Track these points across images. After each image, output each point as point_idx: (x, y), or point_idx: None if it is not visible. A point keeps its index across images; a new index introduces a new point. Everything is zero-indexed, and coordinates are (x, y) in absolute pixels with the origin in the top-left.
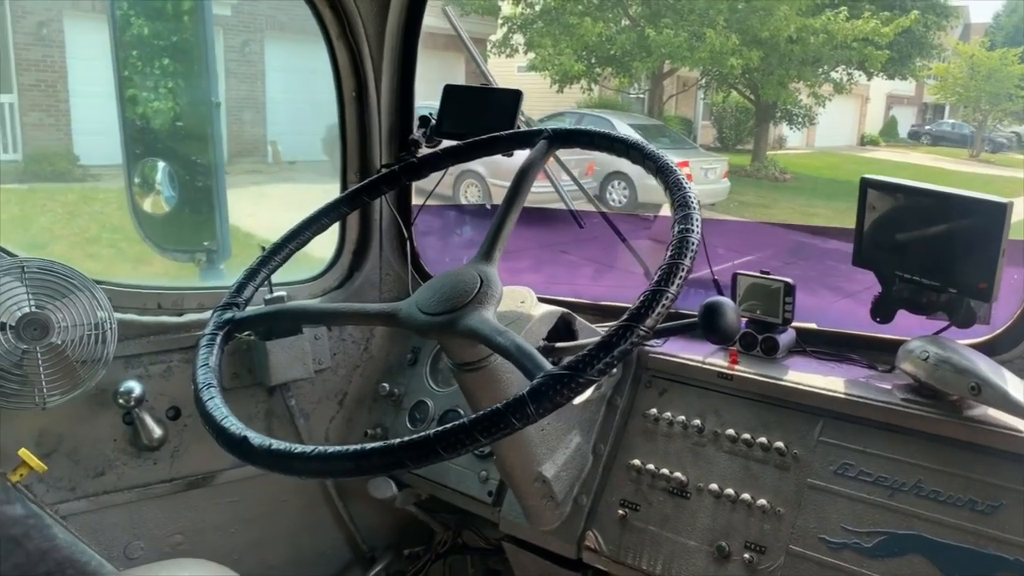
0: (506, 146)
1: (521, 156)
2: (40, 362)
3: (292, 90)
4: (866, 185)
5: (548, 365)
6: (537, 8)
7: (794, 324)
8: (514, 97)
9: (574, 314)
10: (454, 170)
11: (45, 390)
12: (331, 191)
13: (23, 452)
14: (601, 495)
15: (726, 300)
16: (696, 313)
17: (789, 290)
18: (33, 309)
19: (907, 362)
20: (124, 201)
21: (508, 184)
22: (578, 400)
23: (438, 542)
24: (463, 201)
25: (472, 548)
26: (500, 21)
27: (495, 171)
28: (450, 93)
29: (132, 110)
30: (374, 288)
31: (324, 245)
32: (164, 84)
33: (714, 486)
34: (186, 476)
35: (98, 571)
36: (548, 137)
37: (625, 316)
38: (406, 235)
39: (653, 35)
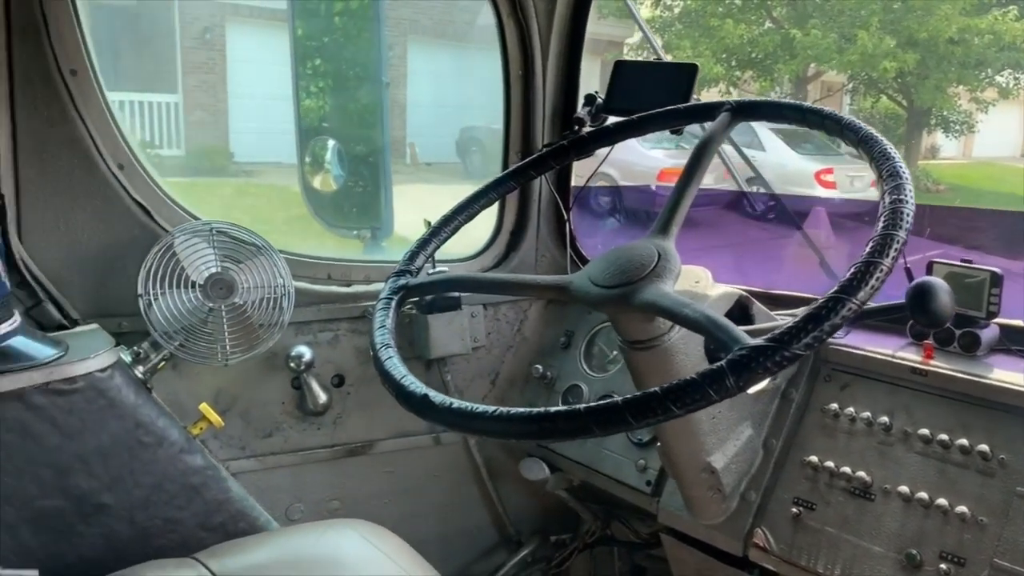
0: (683, 119)
1: (643, 161)
2: (224, 320)
3: (431, 93)
4: None
5: (747, 337)
6: (676, 11)
7: (997, 320)
8: (689, 71)
9: (752, 298)
10: (583, 171)
11: (228, 347)
12: (463, 192)
13: (204, 407)
14: (772, 491)
15: (938, 281)
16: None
17: (996, 281)
18: (220, 269)
19: None
20: (273, 196)
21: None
22: (752, 389)
23: (586, 531)
24: None
25: (620, 541)
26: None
27: (626, 173)
28: (620, 69)
29: (302, 102)
30: (529, 269)
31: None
32: (315, 83)
33: (904, 488)
34: (346, 443)
35: (267, 527)
36: (731, 109)
37: (835, 288)
38: (565, 216)
39: (799, 37)
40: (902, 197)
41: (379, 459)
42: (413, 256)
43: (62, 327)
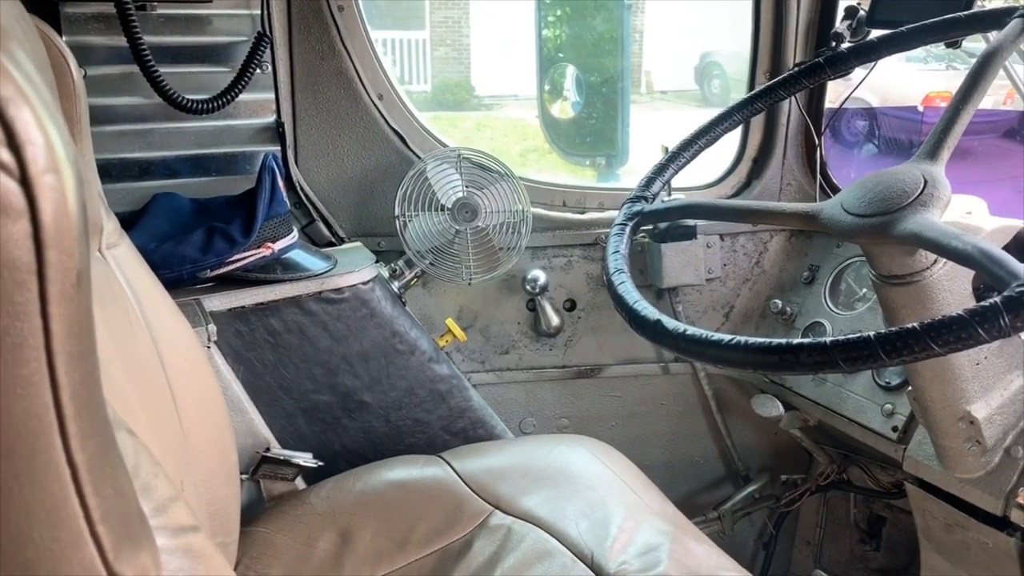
0: (963, 29)
1: (906, 84)
2: (469, 242)
3: (671, 18)
4: None
5: None
6: None
7: None
8: None
9: None
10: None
11: (472, 268)
12: (700, 118)
13: (449, 321)
14: None
15: None
16: None
17: None
18: (465, 194)
19: None
20: (510, 128)
21: None
22: None
23: (819, 474)
24: None
25: (858, 487)
26: None
27: (886, 99)
28: None
29: (542, 32)
30: (773, 199)
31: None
32: (553, 12)
33: None
34: (576, 365)
35: (502, 436)
36: None
37: None
38: (816, 142)
39: None
40: None
41: (607, 383)
42: (649, 182)
43: (330, 244)
